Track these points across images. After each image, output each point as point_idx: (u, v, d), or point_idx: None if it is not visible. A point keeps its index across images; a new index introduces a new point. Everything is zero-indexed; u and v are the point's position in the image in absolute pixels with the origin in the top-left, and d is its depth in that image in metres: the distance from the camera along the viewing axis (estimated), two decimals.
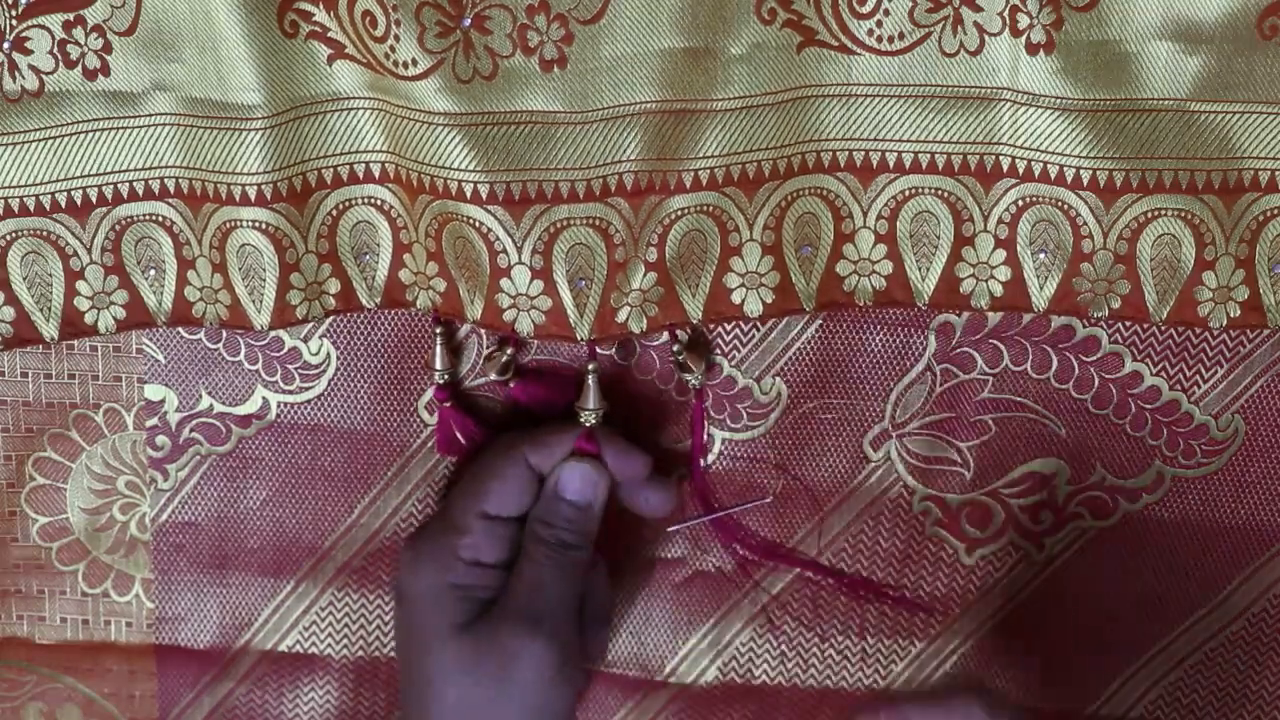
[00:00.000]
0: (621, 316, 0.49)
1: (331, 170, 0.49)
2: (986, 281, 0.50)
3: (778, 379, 0.55)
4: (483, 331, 0.54)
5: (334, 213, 0.50)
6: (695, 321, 0.50)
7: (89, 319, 0.52)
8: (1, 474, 0.58)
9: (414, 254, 0.51)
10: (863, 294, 0.51)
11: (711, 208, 0.49)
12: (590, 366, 0.53)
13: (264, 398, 0.56)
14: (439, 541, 0.52)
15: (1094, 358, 0.54)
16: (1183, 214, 0.48)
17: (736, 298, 0.50)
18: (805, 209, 0.50)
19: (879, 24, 0.47)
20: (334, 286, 0.51)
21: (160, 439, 0.57)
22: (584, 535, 0.53)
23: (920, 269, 0.50)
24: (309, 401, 0.56)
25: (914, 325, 0.53)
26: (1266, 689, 0.59)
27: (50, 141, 0.49)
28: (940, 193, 0.49)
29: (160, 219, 0.51)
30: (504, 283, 0.49)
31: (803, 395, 0.55)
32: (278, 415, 0.56)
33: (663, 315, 0.50)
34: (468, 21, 0.46)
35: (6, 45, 0.48)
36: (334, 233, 0.50)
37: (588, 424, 0.53)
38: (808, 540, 0.57)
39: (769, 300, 0.50)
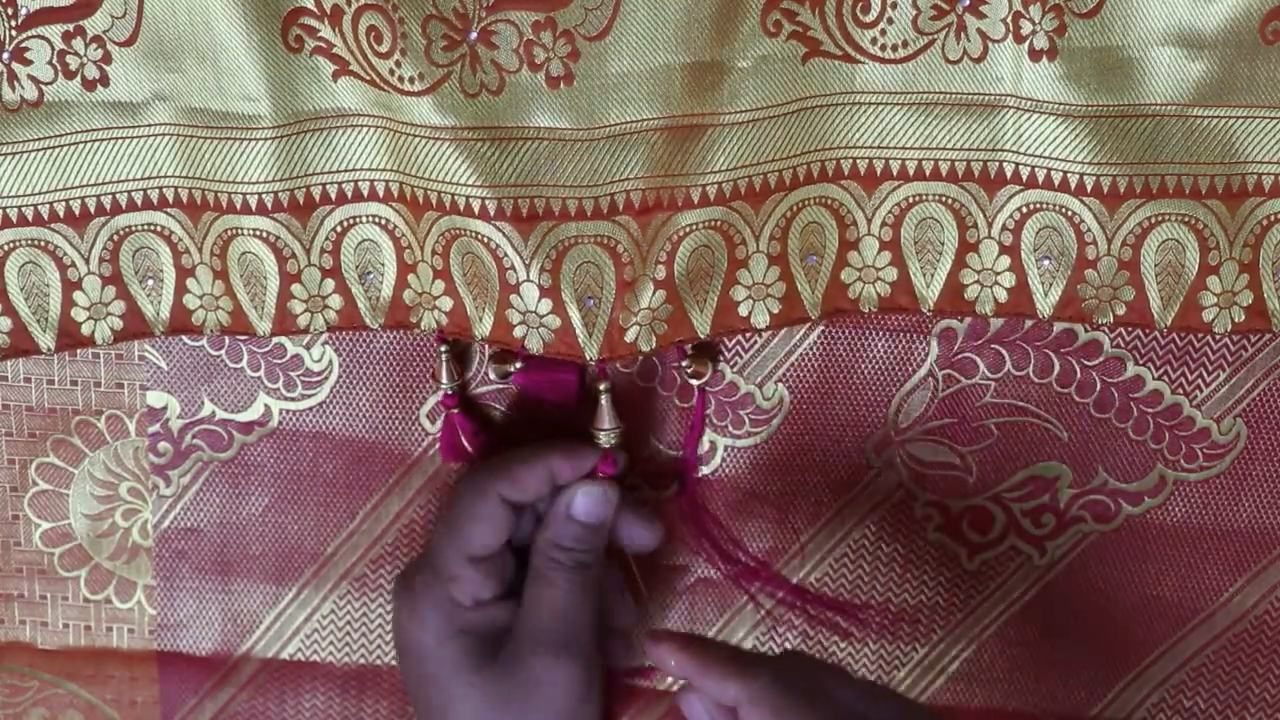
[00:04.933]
0: (630, 336, 0.49)
1: (336, 186, 0.49)
2: (991, 288, 0.50)
3: (780, 385, 0.55)
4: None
5: (338, 229, 0.50)
6: (703, 337, 0.50)
7: (86, 330, 0.52)
8: (4, 478, 0.58)
9: (418, 274, 0.50)
10: (868, 301, 0.51)
11: (719, 222, 0.49)
12: (602, 386, 0.53)
13: (266, 404, 0.56)
14: (434, 591, 0.52)
15: (1096, 362, 0.54)
16: (1186, 219, 0.48)
17: (744, 310, 0.50)
18: (810, 218, 0.50)
19: (882, 32, 0.47)
20: (337, 303, 0.51)
21: (162, 445, 0.57)
22: (598, 552, 0.52)
23: (925, 275, 0.50)
24: (311, 408, 0.56)
25: (916, 331, 0.53)
26: (1269, 692, 0.59)
27: (49, 151, 0.49)
28: (944, 199, 0.49)
29: (159, 228, 0.51)
30: (514, 299, 0.49)
31: (805, 401, 0.55)
32: (280, 422, 0.56)
33: (671, 333, 0.50)
34: (474, 35, 0.45)
35: (6, 55, 0.48)
36: (338, 249, 0.50)
37: (606, 445, 0.53)
38: (810, 546, 0.57)
39: (775, 311, 0.50)
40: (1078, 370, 0.54)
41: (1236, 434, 0.55)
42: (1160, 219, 0.48)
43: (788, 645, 0.59)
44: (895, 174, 0.49)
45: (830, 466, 0.56)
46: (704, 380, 0.53)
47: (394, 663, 0.60)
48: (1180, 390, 0.54)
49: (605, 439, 0.53)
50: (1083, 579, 0.58)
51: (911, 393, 0.55)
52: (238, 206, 0.49)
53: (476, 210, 0.47)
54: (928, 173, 0.49)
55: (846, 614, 0.57)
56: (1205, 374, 0.54)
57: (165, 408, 0.56)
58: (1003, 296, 0.50)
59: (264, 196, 0.49)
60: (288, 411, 0.56)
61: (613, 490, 0.52)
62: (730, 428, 0.55)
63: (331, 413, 0.56)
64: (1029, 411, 0.55)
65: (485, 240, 0.48)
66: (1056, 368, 0.54)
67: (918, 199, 0.49)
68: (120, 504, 0.58)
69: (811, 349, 0.54)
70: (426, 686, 0.52)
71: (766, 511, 0.57)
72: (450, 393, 0.54)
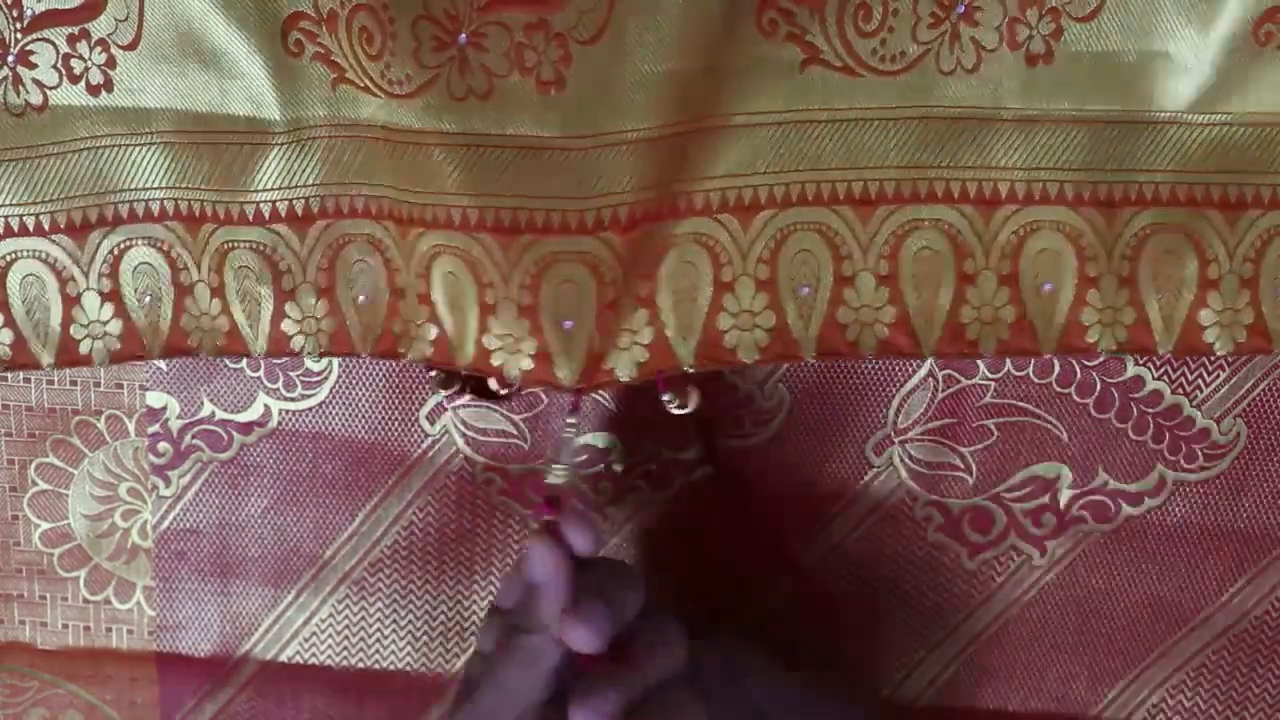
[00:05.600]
0: (610, 363, 0.48)
1: (334, 200, 0.49)
2: (991, 324, 0.49)
3: (780, 385, 0.54)
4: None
5: (334, 246, 0.49)
6: (688, 369, 0.48)
7: (83, 348, 0.52)
8: (4, 478, 0.58)
9: (406, 299, 0.49)
10: (866, 346, 0.49)
11: (704, 236, 0.48)
12: (569, 421, 0.49)
13: (266, 405, 0.56)
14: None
15: (1096, 362, 0.54)
16: (1184, 228, 0.48)
17: (729, 341, 0.48)
18: (802, 245, 0.48)
19: (883, 43, 0.46)
20: (329, 325, 0.50)
21: (162, 446, 0.57)
22: (533, 620, 0.47)
23: (924, 315, 0.49)
24: (311, 409, 0.56)
25: None
26: (1269, 692, 0.59)
27: (53, 159, 0.49)
28: (941, 225, 0.48)
29: (158, 242, 0.50)
30: (492, 321, 0.47)
31: (805, 401, 0.55)
32: (279, 422, 0.56)
33: (654, 362, 0.48)
34: (464, 38, 0.45)
35: (11, 59, 0.48)
36: (333, 267, 0.50)
37: (555, 483, 0.48)
38: (810, 546, 0.57)
39: (764, 344, 0.48)
40: (1078, 370, 0.54)
41: (1236, 434, 0.55)
42: (1157, 228, 0.48)
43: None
44: (890, 197, 0.48)
45: (830, 466, 0.56)
46: (688, 411, 0.51)
47: (392, 666, 0.60)
48: (1180, 390, 0.54)
49: (555, 477, 0.49)
50: (1083, 579, 0.58)
51: (911, 393, 0.55)
52: (235, 217, 0.49)
53: (457, 221, 0.47)
54: (923, 195, 0.48)
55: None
56: (1205, 374, 0.54)
57: (165, 408, 0.56)
58: (1005, 334, 0.49)
59: (261, 206, 0.49)
60: (287, 412, 0.56)
61: (551, 553, 0.47)
62: (731, 428, 0.55)
63: (331, 413, 0.56)
64: (1029, 411, 0.55)
65: (464, 254, 0.47)
66: (1056, 368, 0.54)
67: (913, 225, 0.48)
68: (120, 504, 0.58)
69: None
70: None
71: (766, 511, 0.57)
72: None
